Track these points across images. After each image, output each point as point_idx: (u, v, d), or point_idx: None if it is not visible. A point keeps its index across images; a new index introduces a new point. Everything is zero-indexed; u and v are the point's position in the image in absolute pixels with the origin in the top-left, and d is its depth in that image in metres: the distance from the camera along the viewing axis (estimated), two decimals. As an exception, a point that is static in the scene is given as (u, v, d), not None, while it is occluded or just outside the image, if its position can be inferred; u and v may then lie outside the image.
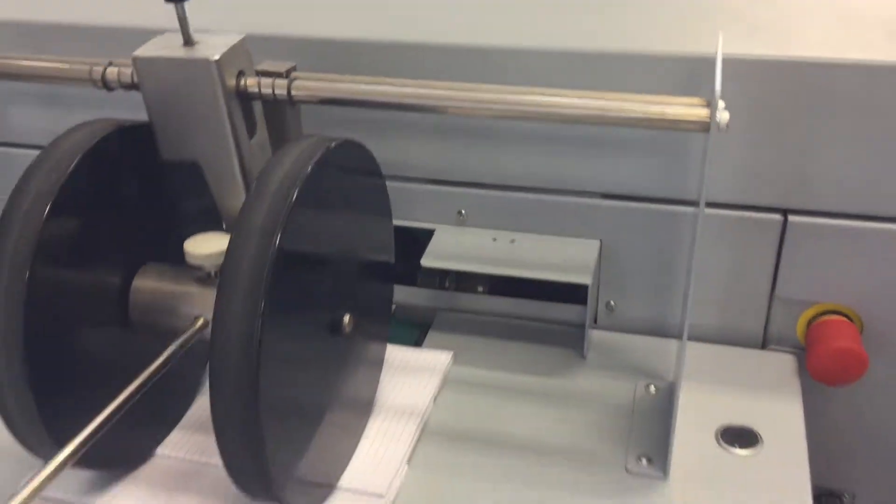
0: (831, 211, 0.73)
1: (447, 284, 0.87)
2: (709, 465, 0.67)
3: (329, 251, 0.59)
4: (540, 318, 0.85)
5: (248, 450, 0.52)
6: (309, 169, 0.53)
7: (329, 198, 0.58)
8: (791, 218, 0.74)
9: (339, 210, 0.60)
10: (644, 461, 0.67)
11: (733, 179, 0.73)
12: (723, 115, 0.54)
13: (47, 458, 0.50)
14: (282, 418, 0.54)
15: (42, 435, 0.57)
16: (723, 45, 0.60)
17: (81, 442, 0.50)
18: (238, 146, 0.61)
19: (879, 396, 0.79)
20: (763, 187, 0.73)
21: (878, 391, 0.79)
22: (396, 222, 0.72)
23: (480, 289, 0.86)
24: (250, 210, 0.52)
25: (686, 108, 0.55)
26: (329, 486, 0.64)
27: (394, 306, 0.84)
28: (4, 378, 0.55)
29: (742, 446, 0.68)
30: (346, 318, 0.60)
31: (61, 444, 0.50)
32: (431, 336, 0.84)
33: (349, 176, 0.62)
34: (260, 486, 0.55)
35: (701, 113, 0.55)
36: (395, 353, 0.78)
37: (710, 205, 0.74)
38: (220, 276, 0.51)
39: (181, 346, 0.58)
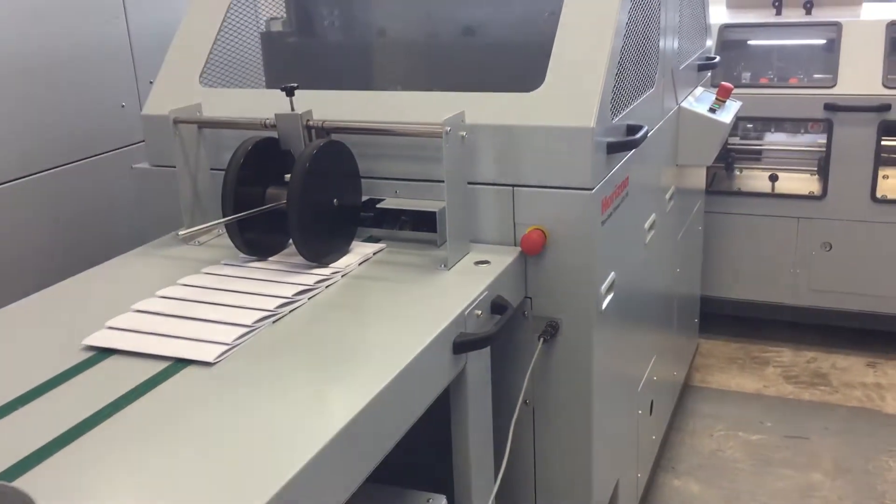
0: (531, 184, 1.87)
1: (400, 226, 2.03)
2: (467, 269, 1.80)
3: (326, 175, 1.79)
4: (430, 240, 1.99)
5: (300, 233, 1.71)
6: (316, 149, 1.74)
7: (326, 158, 1.78)
8: (516, 189, 1.88)
9: (329, 163, 1.80)
10: (443, 266, 1.80)
11: (490, 171, 1.89)
12: (455, 133, 1.72)
13: (240, 249, 1.73)
14: (311, 229, 1.73)
15: (237, 235, 1.78)
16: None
17: (224, 221, 1.71)
18: (303, 144, 1.83)
19: (558, 266, 1.89)
20: (504, 175, 1.88)
21: (557, 264, 1.89)
22: (369, 196, 1.92)
23: (408, 227, 2.02)
24: (298, 162, 1.73)
25: (439, 129, 1.74)
26: (327, 263, 1.80)
27: (370, 234, 2.01)
28: (229, 211, 1.77)
29: (481, 264, 1.81)
30: (335, 201, 1.80)
31: (245, 243, 1.72)
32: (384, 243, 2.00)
33: (336, 152, 1.82)
34: (304, 248, 1.73)
35: (442, 130, 1.73)
36: (359, 244, 1.95)
37: (481, 183, 1.90)
38: (290, 182, 1.71)
39: (276, 203, 1.78)
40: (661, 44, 2.44)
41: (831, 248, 3.72)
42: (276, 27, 2.51)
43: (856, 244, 3.68)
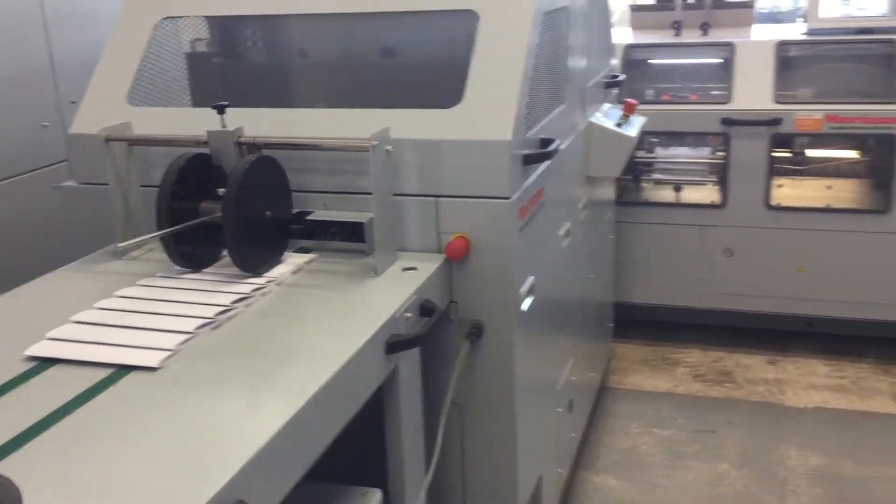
0: (453, 195, 1.99)
1: (330, 237, 2.12)
2: (395, 275, 1.90)
3: (259, 189, 1.87)
4: (359, 249, 2.08)
5: (235, 244, 1.78)
6: (248, 164, 1.83)
7: (258, 172, 1.86)
8: (439, 199, 2.00)
9: (261, 177, 1.88)
10: (374, 273, 1.90)
11: (414, 182, 2.00)
12: (382, 147, 1.83)
13: (175, 262, 1.79)
14: (245, 240, 1.80)
15: (173, 248, 1.84)
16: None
17: (161, 234, 1.77)
18: (236, 159, 1.91)
19: (481, 270, 2.01)
20: (427, 187, 2.00)
21: (480, 269, 2.01)
22: (299, 209, 2.00)
23: (338, 238, 2.11)
24: (232, 176, 1.81)
25: (367, 143, 1.84)
26: (261, 273, 1.88)
27: (300, 246, 2.09)
28: (164, 224, 1.83)
29: (409, 270, 1.91)
30: (268, 213, 1.88)
31: (180, 255, 1.79)
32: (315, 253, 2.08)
33: (267, 167, 1.91)
34: (239, 259, 1.81)
35: (369, 145, 1.84)
36: (291, 255, 2.03)
37: (406, 194, 2.01)
38: (224, 195, 1.79)
39: (211, 217, 1.85)
40: (570, 63, 2.60)
41: (733, 253, 3.96)
42: (201, 48, 2.57)
43: (754, 249, 3.93)
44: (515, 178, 2.00)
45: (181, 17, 2.46)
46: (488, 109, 2.00)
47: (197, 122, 2.02)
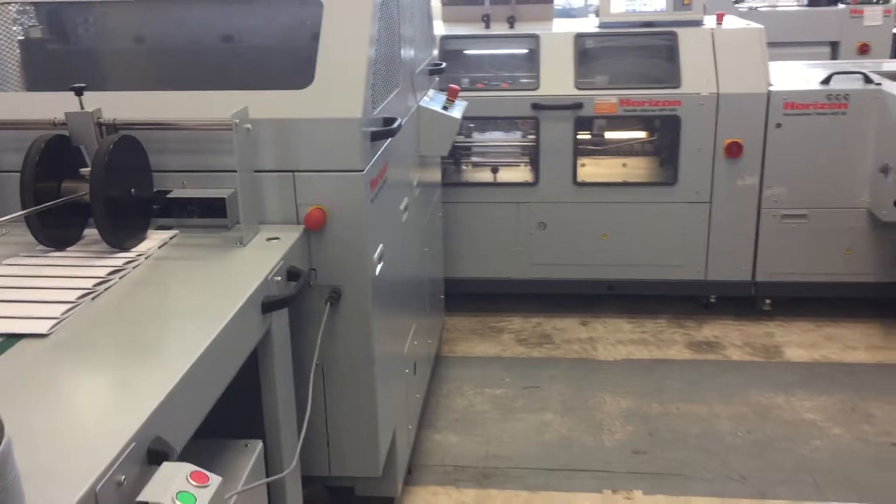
0: (310, 169, 2.15)
1: (188, 214, 2.20)
2: (261, 244, 2.03)
3: (123, 167, 1.95)
4: (219, 224, 2.18)
5: (104, 220, 1.85)
6: (113, 144, 1.90)
7: (122, 152, 1.93)
8: (296, 174, 2.15)
9: (125, 156, 1.95)
10: (240, 243, 2.02)
11: (272, 159, 2.14)
12: (242, 125, 1.96)
13: (40, 241, 1.83)
14: (113, 216, 1.87)
15: (39, 227, 1.87)
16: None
17: (32, 211, 1.82)
18: (97, 140, 1.96)
19: (338, 239, 2.18)
20: (284, 162, 2.14)
21: (336, 237, 2.18)
22: (157, 189, 2.08)
23: (199, 214, 2.20)
24: (98, 155, 1.87)
25: (230, 122, 1.96)
26: (128, 249, 1.95)
27: (160, 224, 2.17)
28: (29, 204, 1.86)
29: (273, 239, 2.05)
30: (132, 190, 1.95)
31: (45, 235, 1.83)
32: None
33: (130, 147, 1.98)
34: (109, 234, 1.87)
35: (231, 122, 1.96)
36: (154, 232, 2.11)
37: (264, 171, 2.14)
38: (90, 174, 1.85)
39: (74, 196, 1.91)
40: (402, 51, 2.81)
41: (545, 227, 4.34)
42: (36, 34, 2.56)
43: (564, 222, 4.33)
44: (366, 152, 2.19)
45: (12, 2, 2.44)
46: (338, 90, 2.17)
47: (36, 106, 2.06)
